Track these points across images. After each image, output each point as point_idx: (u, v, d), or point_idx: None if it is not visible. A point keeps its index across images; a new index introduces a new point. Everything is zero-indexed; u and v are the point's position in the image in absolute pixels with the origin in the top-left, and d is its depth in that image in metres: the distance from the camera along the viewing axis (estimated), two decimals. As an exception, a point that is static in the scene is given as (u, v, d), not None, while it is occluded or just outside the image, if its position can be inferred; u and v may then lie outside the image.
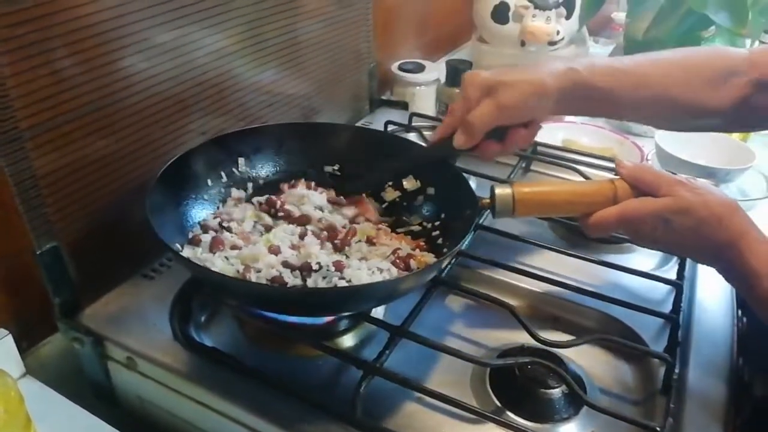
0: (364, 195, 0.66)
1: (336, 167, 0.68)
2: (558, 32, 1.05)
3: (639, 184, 0.52)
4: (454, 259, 0.63)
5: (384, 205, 0.66)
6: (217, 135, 0.66)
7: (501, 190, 0.54)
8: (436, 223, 0.63)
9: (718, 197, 0.50)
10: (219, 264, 0.54)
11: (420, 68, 1.08)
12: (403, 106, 1.03)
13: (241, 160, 0.66)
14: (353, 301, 0.53)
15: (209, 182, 0.64)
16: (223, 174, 0.65)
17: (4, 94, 0.49)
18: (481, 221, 0.68)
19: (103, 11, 0.54)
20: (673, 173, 0.79)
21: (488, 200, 0.55)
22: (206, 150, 0.63)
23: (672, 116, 0.59)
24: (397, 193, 0.66)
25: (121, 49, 0.57)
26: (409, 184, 0.65)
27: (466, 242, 0.62)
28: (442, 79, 1.06)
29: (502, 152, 0.58)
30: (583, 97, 0.56)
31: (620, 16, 1.45)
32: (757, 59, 0.56)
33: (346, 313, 0.57)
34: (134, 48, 0.59)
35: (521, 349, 0.56)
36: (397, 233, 0.63)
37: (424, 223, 0.63)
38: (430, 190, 0.64)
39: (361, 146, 0.68)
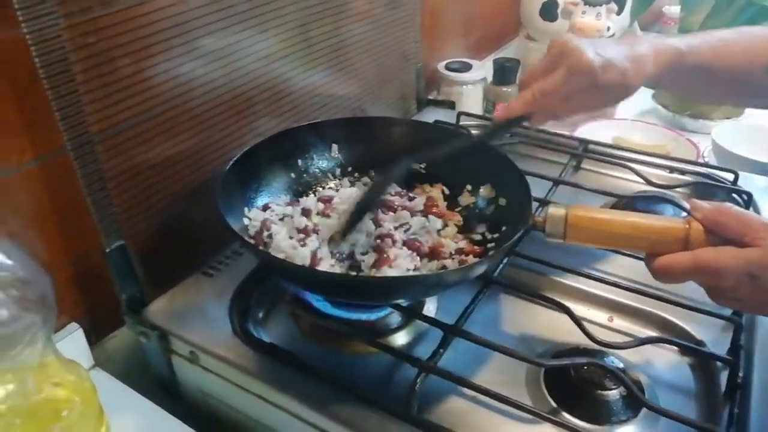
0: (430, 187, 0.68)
1: (422, 165, 0.69)
2: (608, 28, 1.03)
3: (719, 229, 0.45)
4: (506, 258, 0.63)
5: (458, 209, 0.66)
6: (277, 132, 0.67)
7: (554, 210, 0.51)
8: (495, 235, 0.62)
9: None
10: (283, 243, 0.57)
11: (467, 67, 1.08)
12: (450, 105, 1.03)
13: (299, 162, 0.68)
14: (399, 291, 0.54)
15: (274, 177, 0.66)
16: (288, 169, 0.67)
17: (77, 100, 0.51)
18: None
19: (164, 20, 0.57)
20: (734, 172, 0.77)
21: (541, 219, 0.52)
22: (273, 144, 0.65)
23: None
24: (473, 199, 0.66)
25: (181, 56, 0.60)
26: (486, 191, 0.66)
27: (501, 256, 0.61)
28: (489, 78, 1.05)
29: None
30: (684, 72, 0.57)
31: (672, 10, 1.41)
32: None
33: (397, 301, 0.57)
34: (192, 55, 0.61)
35: (576, 350, 0.56)
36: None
37: (487, 234, 0.63)
38: (502, 201, 0.64)
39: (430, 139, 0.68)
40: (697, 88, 0.63)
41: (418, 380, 0.49)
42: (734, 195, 0.77)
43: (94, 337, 0.62)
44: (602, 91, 0.55)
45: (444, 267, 0.57)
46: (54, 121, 0.50)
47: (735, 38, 0.60)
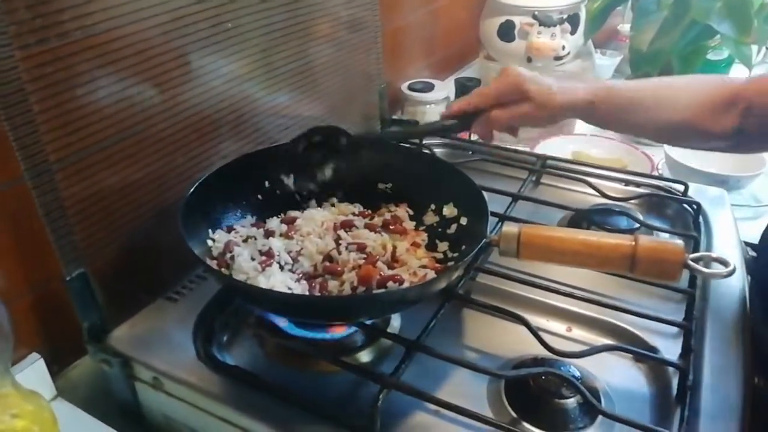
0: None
1: (388, 185, 0.72)
2: (563, 47, 1.07)
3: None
4: (467, 273, 0.64)
5: (422, 228, 0.68)
6: (241, 155, 0.69)
7: (508, 229, 0.54)
8: (455, 254, 0.63)
9: None
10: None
11: (429, 87, 1.11)
12: (414, 125, 1.05)
13: (266, 183, 0.70)
14: (359, 310, 0.55)
15: (240, 198, 0.67)
16: (254, 190, 0.69)
17: (34, 129, 0.51)
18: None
19: (123, 48, 0.57)
20: (684, 183, 0.81)
21: (497, 238, 0.55)
22: (238, 166, 0.67)
23: (683, 136, 0.66)
24: (436, 218, 0.68)
25: (143, 82, 0.60)
26: (449, 210, 0.67)
27: (458, 273, 0.61)
28: (452, 97, 1.08)
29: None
30: (607, 111, 0.64)
31: (626, 27, 1.47)
32: (745, 88, 0.62)
33: (359, 320, 0.58)
34: (153, 81, 0.61)
35: (535, 361, 0.57)
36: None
37: (448, 252, 0.64)
38: (463, 220, 0.65)
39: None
40: (617, 126, 0.73)
41: (381, 396, 0.50)
42: (684, 205, 0.80)
43: (56, 367, 0.61)
44: (532, 103, 0.64)
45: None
46: (12, 150, 0.50)
47: (656, 89, 0.67)
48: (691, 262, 0.50)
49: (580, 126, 1.16)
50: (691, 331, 0.58)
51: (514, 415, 0.53)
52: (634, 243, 0.50)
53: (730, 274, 0.49)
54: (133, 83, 0.59)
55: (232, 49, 0.71)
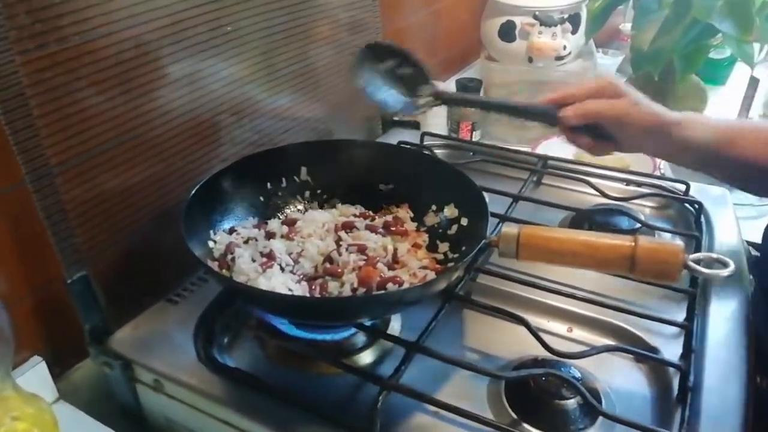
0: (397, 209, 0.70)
1: (389, 186, 0.72)
2: (565, 47, 1.07)
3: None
4: (467, 274, 0.64)
5: (423, 229, 0.68)
6: (242, 157, 0.69)
7: (507, 230, 0.54)
8: (455, 255, 0.63)
9: None
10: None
11: (430, 88, 1.11)
12: (415, 125, 1.05)
13: (268, 185, 0.70)
14: (359, 310, 0.55)
15: (242, 200, 0.67)
16: (257, 192, 0.69)
17: (34, 133, 0.52)
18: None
19: (123, 52, 0.58)
20: (685, 183, 0.80)
21: (496, 239, 0.55)
22: (240, 168, 0.67)
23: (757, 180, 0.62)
24: (437, 219, 0.68)
25: (142, 86, 0.61)
26: (449, 211, 0.67)
27: (458, 274, 0.61)
28: (453, 98, 1.08)
29: (588, 148, 0.65)
30: (684, 149, 0.61)
31: (628, 27, 1.47)
32: None
33: (359, 321, 0.58)
34: (153, 84, 0.62)
35: (535, 361, 0.57)
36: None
37: (449, 253, 0.64)
38: (464, 221, 0.65)
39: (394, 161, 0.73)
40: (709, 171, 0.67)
41: (381, 398, 0.50)
42: (686, 205, 0.80)
43: (58, 369, 0.62)
44: (628, 98, 0.61)
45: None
46: (13, 154, 0.51)
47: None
48: (690, 263, 0.49)
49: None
50: (692, 332, 0.57)
51: (515, 416, 0.52)
52: (633, 244, 0.50)
53: (731, 275, 0.49)
54: (133, 87, 0.60)
55: (232, 52, 0.71)
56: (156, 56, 0.61)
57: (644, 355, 0.57)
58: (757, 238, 0.71)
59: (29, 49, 0.50)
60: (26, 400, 0.47)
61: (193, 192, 0.60)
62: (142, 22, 0.59)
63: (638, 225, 0.74)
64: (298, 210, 0.71)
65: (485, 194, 0.75)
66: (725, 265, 0.50)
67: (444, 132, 1.08)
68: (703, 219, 0.77)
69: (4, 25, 0.48)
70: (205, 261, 0.57)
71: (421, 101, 0.68)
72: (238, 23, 0.70)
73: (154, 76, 0.62)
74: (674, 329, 0.60)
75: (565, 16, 1.06)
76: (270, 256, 0.59)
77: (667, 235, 0.75)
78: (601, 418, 0.51)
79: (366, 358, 0.59)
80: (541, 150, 1.01)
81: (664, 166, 1.02)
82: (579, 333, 0.63)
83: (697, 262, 0.50)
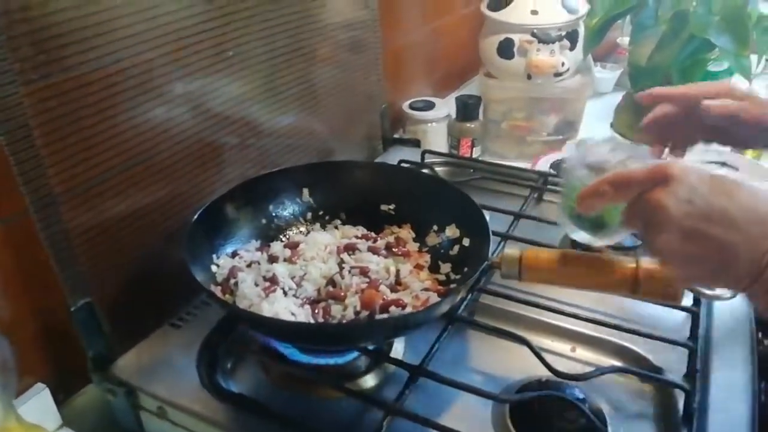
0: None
1: (391, 207, 0.72)
2: (563, 64, 1.07)
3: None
4: (469, 295, 0.64)
5: (425, 249, 0.68)
6: (244, 180, 0.69)
7: (509, 252, 0.54)
8: (458, 276, 0.63)
9: None
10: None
11: (430, 106, 1.12)
12: (416, 143, 1.06)
13: (270, 207, 0.70)
14: (362, 335, 0.55)
15: (244, 223, 0.68)
16: (259, 215, 0.69)
17: (39, 163, 0.52)
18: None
19: (126, 80, 0.58)
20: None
21: (498, 260, 0.55)
22: (241, 192, 0.67)
23: None
24: (439, 240, 0.68)
25: (144, 113, 0.61)
26: (451, 231, 0.67)
27: (461, 295, 0.61)
28: (453, 115, 1.09)
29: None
30: None
31: (626, 41, 1.47)
32: None
33: (362, 345, 0.58)
34: (156, 111, 0.62)
35: (539, 383, 0.57)
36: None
37: (451, 274, 0.64)
38: (466, 241, 0.65)
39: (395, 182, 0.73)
40: None
41: (384, 423, 0.50)
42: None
43: (62, 395, 0.61)
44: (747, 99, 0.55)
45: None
46: (17, 183, 0.51)
47: None
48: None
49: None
50: (695, 351, 0.57)
51: (520, 439, 0.52)
52: (635, 265, 0.50)
53: (733, 296, 0.49)
54: (137, 114, 0.60)
55: (235, 75, 0.71)
56: (160, 82, 0.62)
57: (648, 375, 0.56)
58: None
59: (33, 79, 0.50)
60: (29, 430, 0.47)
61: (195, 216, 0.61)
62: (145, 50, 0.59)
63: (640, 242, 0.74)
64: (300, 232, 0.71)
65: (486, 212, 0.75)
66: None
67: (444, 149, 1.09)
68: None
69: (9, 57, 0.48)
70: (207, 286, 0.57)
71: None
72: (240, 47, 0.71)
73: (158, 101, 0.62)
74: (678, 349, 0.59)
75: (563, 33, 1.07)
76: (273, 281, 0.60)
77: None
78: (606, 440, 0.51)
79: (369, 381, 0.59)
80: (540, 166, 1.01)
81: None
82: (582, 353, 0.63)
83: None
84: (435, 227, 0.69)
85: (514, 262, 0.53)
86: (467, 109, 1.06)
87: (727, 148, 0.74)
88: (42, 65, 0.51)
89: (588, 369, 0.56)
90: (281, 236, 0.70)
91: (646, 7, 1.05)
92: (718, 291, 0.50)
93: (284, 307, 0.56)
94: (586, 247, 0.55)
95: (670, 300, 0.52)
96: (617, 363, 0.60)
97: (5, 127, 0.49)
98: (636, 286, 0.50)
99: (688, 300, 0.64)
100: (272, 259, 0.64)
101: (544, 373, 0.56)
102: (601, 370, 0.55)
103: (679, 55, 1.01)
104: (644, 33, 1.07)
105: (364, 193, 0.73)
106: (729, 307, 0.65)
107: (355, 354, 0.60)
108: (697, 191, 0.40)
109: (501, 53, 1.10)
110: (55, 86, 0.53)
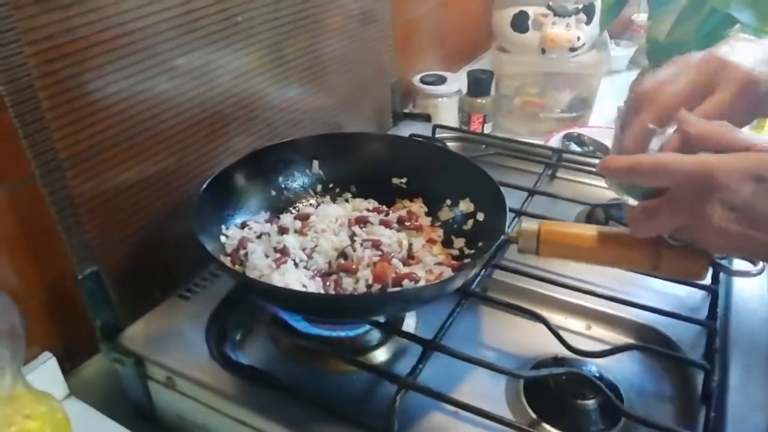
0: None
1: (403, 180, 0.70)
2: (579, 38, 1.05)
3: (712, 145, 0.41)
4: (483, 270, 0.63)
5: (438, 224, 0.66)
6: (254, 150, 0.68)
7: (527, 226, 0.53)
8: (473, 251, 0.62)
9: None
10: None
11: (441, 80, 1.09)
12: (426, 118, 1.04)
13: (280, 178, 0.69)
14: (375, 308, 0.54)
15: (253, 194, 0.66)
16: (268, 186, 0.68)
17: (44, 126, 0.51)
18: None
19: (132, 43, 0.56)
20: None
21: (515, 234, 0.54)
22: (251, 162, 0.66)
23: None
24: (452, 214, 0.66)
25: (151, 78, 0.59)
26: (465, 205, 0.66)
27: (475, 270, 0.60)
28: (464, 90, 1.06)
29: None
30: None
31: (641, 17, 1.44)
32: None
33: (374, 318, 0.57)
34: (163, 76, 0.60)
35: (555, 360, 0.56)
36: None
37: (465, 248, 0.63)
38: (480, 216, 0.64)
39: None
40: None
41: (398, 397, 0.49)
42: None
43: (69, 365, 0.61)
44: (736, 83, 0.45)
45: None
46: (23, 148, 0.50)
47: None
48: (719, 260, 0.48)
49: (596, 117, 1.14)
50: (715, 330, 0.56)
51: (534, 416, 0.51)
52: (657, 240, 0.48)
53: (760, 272, 0.48)
54: (143, 79, 0.58)
55: (243, 43, 0.69)
56: (167, 47, 0.60)
57: (666, 353, 0.55)
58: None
59: (37, 39, 0.49)
60: (38, 398, 0.47)
61: (204, 186, 0.59)
62: (152, 12, 0.57)
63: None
64: (310, 204, 0.70)
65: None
66: (753, 262, 0.49)
67: (455, 124, 1.07)
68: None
69: (12, 15, 0.46)
70: (217, 256, 0.56)
71: None
72: (248, 13, 0.69)
73: (165, 67, 0.60)
74: (697, 328, 0.58)
75: (580, 6, 1.04)
76: (284, 252, 0.58)
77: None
78: (623, 418, 0.50)
79: (381, 355, 0.58)
80: (554, 143, 1.00)
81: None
82: (598, 330, 0.62)
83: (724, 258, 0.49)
84: (448, 201, 0.67)
85: (532, 236, 0.52)
86: (479, 84, 1.04)
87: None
88: (46, 26, 0.49)
89: (604, 347, 0.55)
90: (291, 208, 0.69)
91: (665, -21, 1.02)
92: (743, 268, 0.49)
93: (295, 279, 0.55)
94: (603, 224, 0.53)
95: (694, 277, 0.51)
96: (633, 341, 0.59)
97: (10, 87, 0.47)
98: (658, 262, 0.49)
99: (707, 278, 0.63)
100: (282, 231, 0.62)
101: (558, 350, 0.55)
102: (619, 348, 0.54)
103: (700, 31, 0.99)
104: (663, 7, 1.04)
105: (376, 166, 0.71)
106: (748, 286, 0.64)
107: (366, 327, 0.59)
108: (742, 195, 0.39)
109: (515, 26, 1.07)
110: (59, 48, 0.51)
